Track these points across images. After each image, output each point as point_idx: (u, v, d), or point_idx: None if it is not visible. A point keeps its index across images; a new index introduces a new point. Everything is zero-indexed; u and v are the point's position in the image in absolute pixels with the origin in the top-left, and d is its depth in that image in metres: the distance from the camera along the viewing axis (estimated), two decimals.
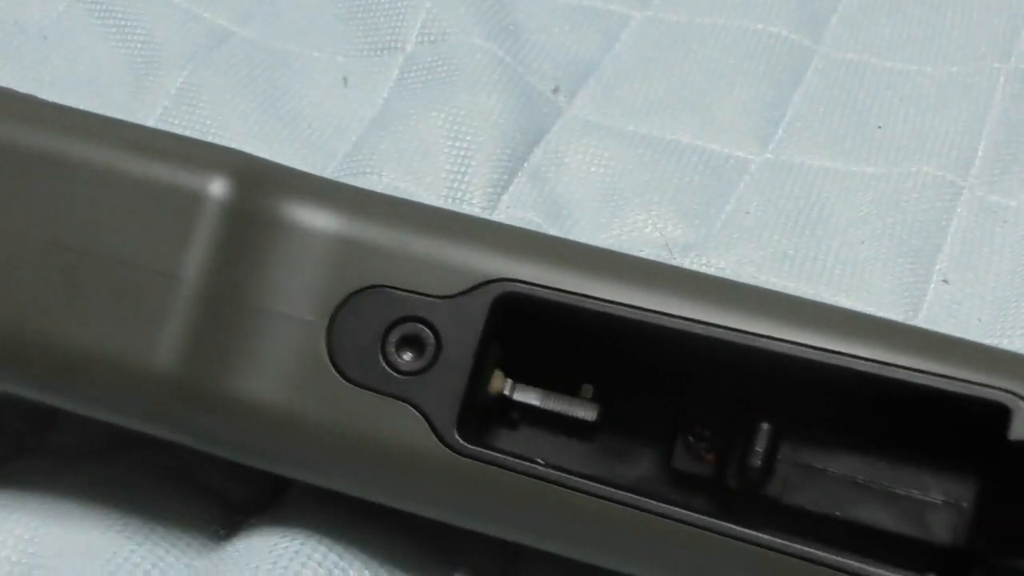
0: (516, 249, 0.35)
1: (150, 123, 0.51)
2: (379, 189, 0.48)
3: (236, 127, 0.51)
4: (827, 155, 0.51)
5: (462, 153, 0.49)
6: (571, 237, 0.46)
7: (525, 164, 0.50)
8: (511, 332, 0.35)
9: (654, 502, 0.33)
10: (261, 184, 0.35)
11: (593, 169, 0.50)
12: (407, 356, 0.34)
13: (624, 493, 0.33)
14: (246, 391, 0.34)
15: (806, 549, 0.32)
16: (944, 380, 0.32)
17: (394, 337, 0.34)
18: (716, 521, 0.33)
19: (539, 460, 0.34)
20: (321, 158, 0.51)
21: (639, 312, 0.34)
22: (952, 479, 0.35)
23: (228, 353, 0.34)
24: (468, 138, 0.50)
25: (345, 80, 0.54)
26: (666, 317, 0.34)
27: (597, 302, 0.34)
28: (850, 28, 0.56)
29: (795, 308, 0.34)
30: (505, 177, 0.49)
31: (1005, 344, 0.45)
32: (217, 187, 0.34)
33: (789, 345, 0.33)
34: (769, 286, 0.45)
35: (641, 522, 0.33)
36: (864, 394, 0.34)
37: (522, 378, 0.36)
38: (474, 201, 0.48)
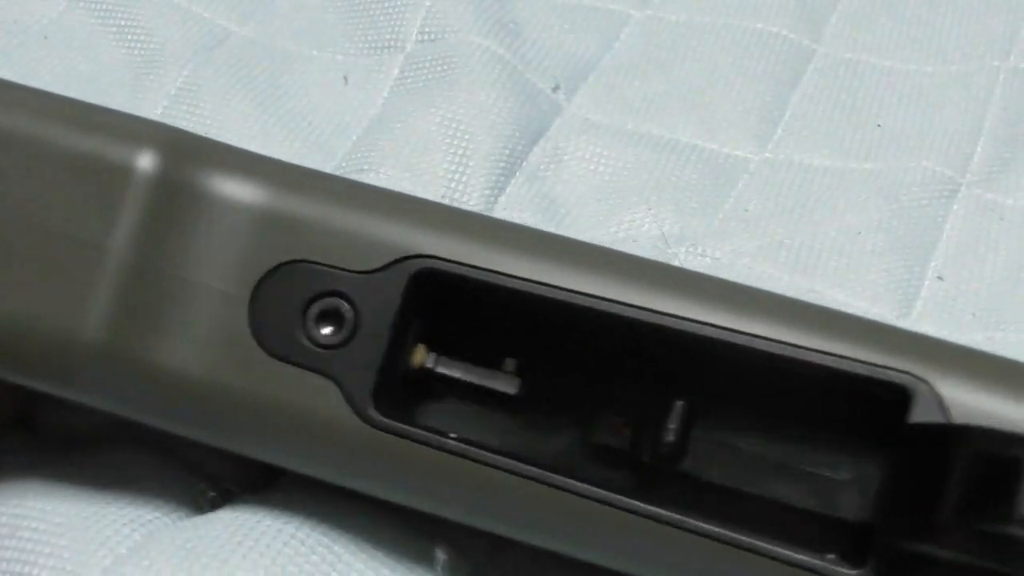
0: (435, 225, 0.35)
1: None
2: (377, 184, 0.48)
3: (236, 126, 0.51)
4: (826, 154, 0.51)
5: (460, 152, 0.49)
6: (569, 234, 0.47)
7: (524, 163, 0.50)
8: (435, 306, 0.36)
9: (562, 478, 0.34)
10: (188, 157, 0.36)
11: (592, 168, 0.50)
12: (326, 330, 0.35)
13: (533, 468, 0.34)
14: (169, 360, 0.35)
15: (713, 528, 0.33)
16: (848, 362, 0.33)
17: (314, 311, 0.35)
18: (625, 499, 0.33)
19: (452, 434, 0.35)
20: (321, 157, 0.51)
21: (554, 291, 0.34)
22: (860, 458, 0.35)
23: (153, 323, 0.35)
24: (467, 137, 0.50)
25: (345, 79, 0.54)
26: (582, 296, 0.34)
27: (513, 280, 0.34)
28: (850, 27, 0.56)
29: (708, 288, 0.35)
30: (503, 178, 0.49)
31: (999, 339, 0.45)
32: (144, 160, 0.35)
33: (698, 325, 0.34)
34: (764, 278, 0.45)
35: (550, 497, 0.34)
36: (775, 374, 0.35)
37: (446, 352, 0.37)
38: (471, 202, 0.48)
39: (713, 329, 0.34)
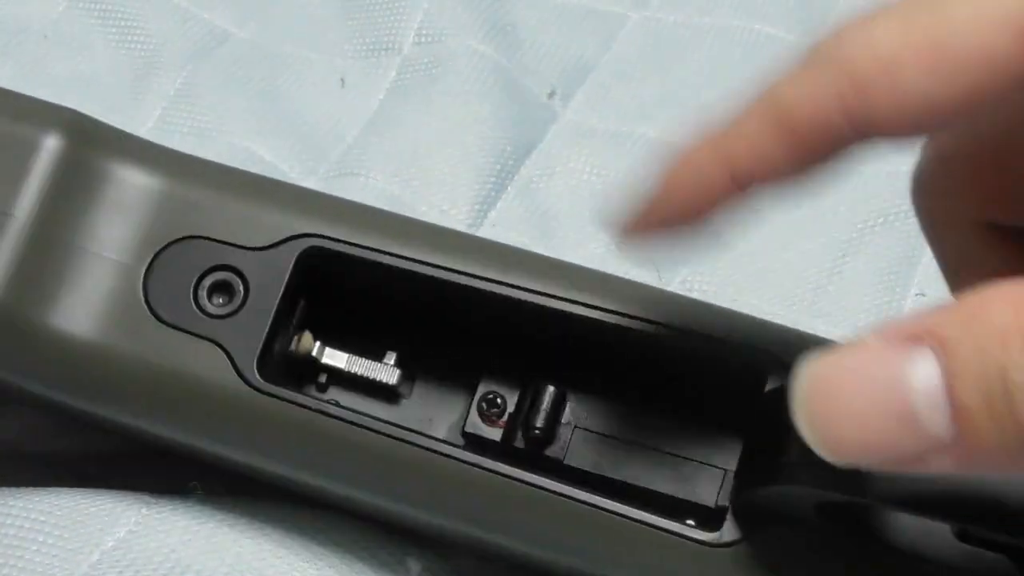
0: (322, 209, 0.38)
1: (150, 123, 0.52)
2: (367, 192, 0.48)
3: (234, 127, 0.52)
4: None
5: (451, 163, 0.50)
6: (558, 249, 0.47)
7: (515, 177, 0.50)
8: (323, 293, 0.38)
9: (441, 442, 0.36)
10: (92, 140, 0.38)
11: (585, 177, 0.51)
12: (218, 301, 0.37)
13: (414, 434, 0.36)
14: (64, 324, 0.37)
15: (575, 491, 0.35)
16: (709, 340, 0.36)
17: (207, 283, 0.37)
18: (499, 464, 0.35)
19: (334, 401, 0.37)
20: (315, 158, 0.51)
21: (431, 268, 0.37)
22: (722, 445, 0.38)
23: (50, 287, 0.37)
24: (459, 148, 0.50)
25: (342, 81, 0.54)
26: (456, 273, 0.37)
27: (394, 257, 0.37)
28: None
29: (575, 273, 0.37)
30: (493, 193, 0.50)
31: None
32: (52, 139, 0.37)
33: (565, 303, 0.36)
34: (748, 309, 0.46)
35: (428, 462, 0.36)
36: (644, 360, 0.37)
37: (332, 342, 0.39)
38: (460, 216, 0.48)
39: (578, 307, 0.36)
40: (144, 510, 0.38)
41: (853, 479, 0.29)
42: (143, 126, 0.52)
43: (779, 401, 0.34)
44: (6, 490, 0.39)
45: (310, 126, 0.52)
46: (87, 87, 0.53)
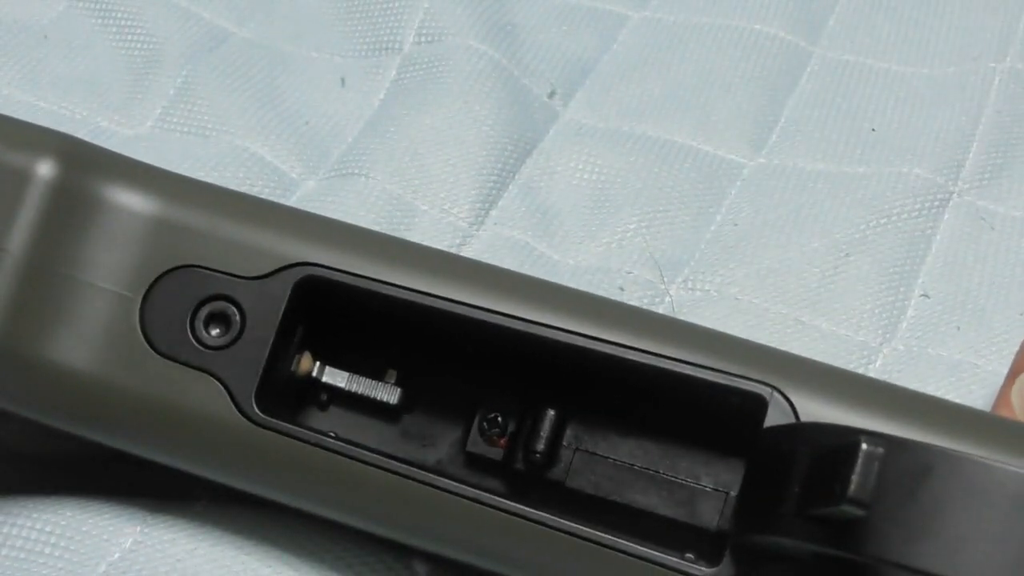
0: (319, 236, 0.37)
1: (150, 122, 0.52)
2: (369, 192, 0.48)
3: (234, 127, 0.52)
4: (820, 159, 0.52)
5: (452, 162, 0.50)
6: (560, 247, 0.47)
7: (516, 176, 0.50)
8: (321, 315, 0.38)
9: (436, 476, 0.36)
10: (85, 166, 0.37)
11: (586, 176, 0.51)
12: (214, 331, 0.37)
13: (412, 468, 0.36)
14: (60, 356, 0.37)
15: (576, 526, 0.35)
16: (709, 372, 0.35)
17: (203, 313, 0.37)
18: (493, 497, 0.35)
19: (332, 433, 0.37)
20: (316, 158, 0.51)
21: (429, 299, 0.36)
22: (720, 468, 0.38)
23: (47, 320, 0.37)
24: (460, 147, 0.50)
25: (343, 80, 0.54)
26: (456, 304, 0.36)
27: (392, 288, 0.37)
28: (847, 29, 0.56)
29: (575, 301, 0.37)
30: (495, 191, 0.50)
31: (982, 350, 0.45)
32: (44, 167, 0.37)
33: (565, 333, 0.36)
34: (751, 311, 0.46)
35: (425, 496, 0.35)
36: (643, 385, 0.37)
37: (332, 361, 0.39)
38: (462, 215, 0.48)
39: (580, 338, 0.36)
40: (149, 519, 0.38)
41: (849, 537, 0.30)
42: (143, 125, 0.52)
43: (779, 444, 0.34)
44: (10, 499, 0.39)
45: (311, 126, 0.52)
46: (87, 87, 0.53)
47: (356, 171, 0.50)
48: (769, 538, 0.33)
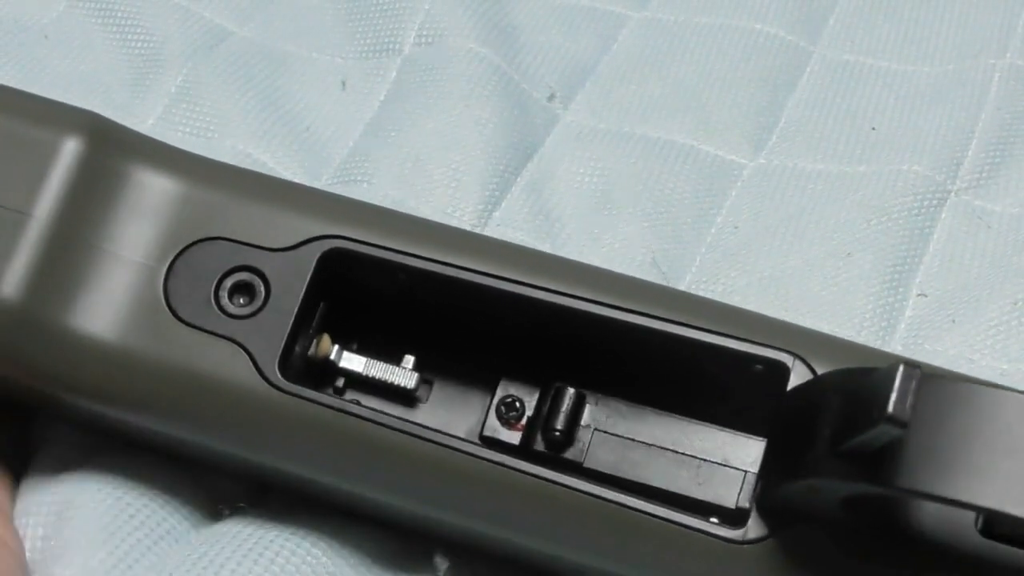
0: (344, 212, 0.38)
1: (150, 122, 0.52)
2: (371, 197, 0.48)
3: (235, 127, 0.52)
4: (820, 159, 0.52)
5: (453, 166, 0.50)
6: (563, 250, 0.47)
7: (518, 179, 0.50)
8: (342, 297, 0.39)
9: (463, 440, 0.36)
10: (115, 143, 0.39)
11: (587, 179, 0.51)
12: (239, 301, 0.37)
13: (435, 432, 0.36)
14: (86, 325, 0.37)
15: (601, 490, 0.35)
16: (733, 340, 0.36)
17: (228, 283, 0.38)
18: (526, 463, 0.36)
19: (357, 401, 0.37)
20: (318, 164, 0.51)
21: (452, 269, 0.37)
22: (741, 447, 0.39)
23: (72, 289, 0.37)
24: (461, 151, 0.50)
25: (343, 83, 0.54)
26: (476, 273, 0.37)
27: (416, 259, 0.37)
28: (847, 28, 0.56)
29: (599, 275, 0.38)
30: (497, 193, 0.50)
31: (978, 344, 0.46)
32: (73, 141, 0.38)
33: (586, 302, 0.37)
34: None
35: (451, 461, 0.36)
36: (664, 360, 0.37)
37: (350, 346, 0.40)
38: (464, 218, 0.48)
39: (606, 308, 0.37)
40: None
41: (882, 469, 0.30)
42: (144, 124, 0.52)
43: (804, 398, 0.34)
44: None
45: (312, 131, 0.52)
46: (87, 86, 0.52)
47: (358, 177, 0.50)
48: (798, 485, 0.33)
